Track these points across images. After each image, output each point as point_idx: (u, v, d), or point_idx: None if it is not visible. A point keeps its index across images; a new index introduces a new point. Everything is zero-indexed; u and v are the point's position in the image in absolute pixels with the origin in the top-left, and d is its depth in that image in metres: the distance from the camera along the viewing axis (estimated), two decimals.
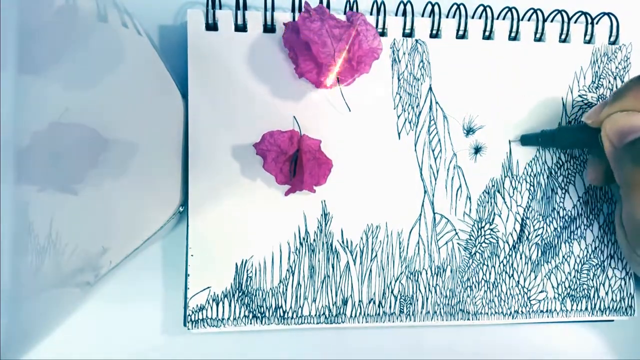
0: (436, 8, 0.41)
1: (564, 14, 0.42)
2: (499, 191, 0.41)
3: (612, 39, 0.43)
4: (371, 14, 0.41)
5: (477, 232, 0.41)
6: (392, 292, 0.40)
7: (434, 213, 0.41)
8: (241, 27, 0.39)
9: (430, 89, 0.41)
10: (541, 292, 0.41)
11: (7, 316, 0.17)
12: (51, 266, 0.21)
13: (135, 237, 0.32)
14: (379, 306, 0.40)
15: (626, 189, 0.34)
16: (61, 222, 0.22)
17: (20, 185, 0.18)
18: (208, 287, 0.38)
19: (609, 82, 0.43)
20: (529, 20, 0.43)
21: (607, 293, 0.42)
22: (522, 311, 0.41)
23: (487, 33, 0.42)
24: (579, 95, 0.42)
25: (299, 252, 0.39)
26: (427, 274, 0.40)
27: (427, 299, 0.40)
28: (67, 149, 0.23)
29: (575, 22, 0.43)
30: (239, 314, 0.38)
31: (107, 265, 0.29)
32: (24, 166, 0.18)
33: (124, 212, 0.31)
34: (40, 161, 0.20)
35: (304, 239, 0.39)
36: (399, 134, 0.41)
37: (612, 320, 0.43)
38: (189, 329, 0.38)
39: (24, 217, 0.19)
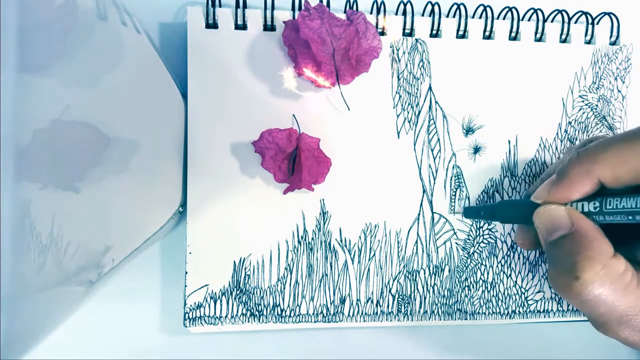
0: (436, 8, 0.41)
1: (564, 14, 0.42)
2: (497, 191, 0.41)
3: (613, 39, 0.43)
4: (371, 13, 0.41)
5: (476, 232, 0.41)
6: (390, 291, 0.40)
7: (433, 213, 0.41)
8: (241, 26, 0.39)
9: (430, 88, 0.41)
10: (538, 292, 0.41)
11: (7, 316, 0.17)
12: (53, 265, 0.21)
13: (136, 236, 0.32)
14: (376, 305, 0.40)
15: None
16: (63, 220, 0.22)
17: (21, 183, 0.18)
18: (206, 285, 0.38)
19: (610, 82, 0.43)
20: (529, 20, 0.43)
21: None
22: (519, 311, 0.41)
23: (487, 33, 0.42)
24: (580, 96, 0.42)
25: (297, 250, 0.39)
26: (425, 273, 0.41)
27: (425, 298, 0.40)
28: (69, 147, 0.23)
29: (576, 22, 0.43)
30: (237, 312, 0.39)
31: (110, 263, 0.29)
32: (25, 164, 0.18)
33: (125, 211, 0.31)
34: (41, 159, 0.20)
35: (302, 237, 0.39)
36: (398, 133, 0.41)
37: None
38: (186, 326, 0.38)
39: (25, 215, 0.19)
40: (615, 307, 0.30)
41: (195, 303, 0.38)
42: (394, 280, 0.40)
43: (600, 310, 0.31)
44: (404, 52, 0.41)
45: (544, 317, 0.41)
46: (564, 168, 0.32)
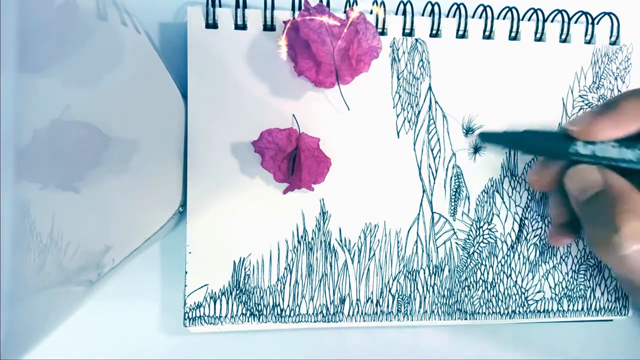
0: (436, 7, 0.41)
1: (564, 13, 0.42)
2: (497, 191, 0.41)
3: (613, 39, 0.43)
4: (371, 12, 0.41)
5: (476, 232, 0.41)
6: (389, 291, 0.40)
7: (433, 212, 0.41)
8: (241, 26, 0.39)
9: (429, 88, 0.41)
10: (538, 292, 0.41)
11: (7, 316, 0.17)
12: (53, 264, 0.21)
13: (136, 236, 0.32)
14: (376, 305, 0.40)
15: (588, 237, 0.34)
16: (63, 220, 0.22)
17: (21, 183, 0.18)
18: (206, 285, 0.38)
19: (610, 82, 0.43)
20: (529, 20, 0.43)
21: (602, 293, 0.42)
22: (519, 311, 0.41)
23: (487, 33, 0.42)
24: (580, 96, 0.42)
25: (297, 250, 0.39)
26: (425, 273, 0.41)
27: (424, 298, 0.40)
28: (69, 147, 0.23)
29: (576, 22, 0.43)
30: (237, 311, 0.39)
31: (110, 263, 0.29)
32: (26, 164, 0.18)
33: (125, 211, 0.31)
34: (41, 159, 0.20)
35: (302, 237, 0.39)
36: (398, 133, 0.41)
37: (611, 320, 0.43)
38: (186, 326, 0.38)
39: (25, 215, 0.19)
40: None
41: (195, 303, 0.38)
42: (393, 280, 0.40)
43: (639, 265, 0.30)
44: (403, 52, 0.41)
45: (544, 317, 0.41)
46: (616, 100, 0.31)
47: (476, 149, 0.41)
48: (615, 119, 0.32)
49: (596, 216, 0.32)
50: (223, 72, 0.39)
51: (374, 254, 0.40)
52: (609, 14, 0.43)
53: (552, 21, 0.43)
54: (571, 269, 0.42)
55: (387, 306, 0.40)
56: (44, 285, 0.21)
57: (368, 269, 0.40)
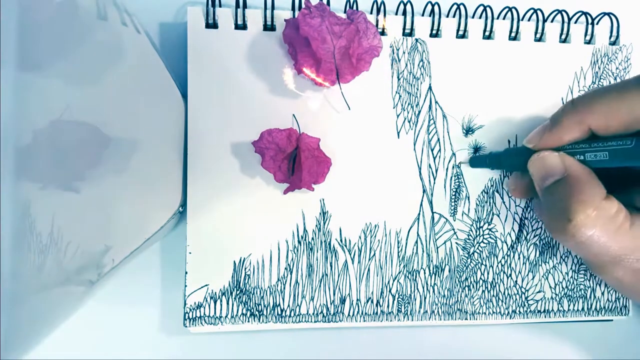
0: (436, 7, 0.41)
1: (564, 14, 0.42)
2: (497, 191, 0.41)
3: (613, 39, 0.43)
4: (371, 12, 0.41)
5: (476, 231, 0.41)
6: (390, 291, 0.40)
7: (433, 212, 0.41)
8: (241, 26, 0.39)
9: (429, 88, 0.41)
10: (539, 292, 0.41)
11: (7, 316, 0.17)
12: (53, 265, 0.21)
13: (136, 236, 0.32)
14: (376, 305, 0.40)
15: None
16: (63, 220, 0.22)
17: (21, 183, 0.18)
18: (206, 285, 0.38)
19: (610, 82, 0.43)
20: (529, 20, 0.43)
21: (602, 293, 0.42)
22: (519, 311, 0.41)
23: (487, 33, 0.42)
24: None
25: (297, 250, 0.39)
26: (425, 273, 0.41)
27: (425, 298, 0.40)
28: (69, 147, 0.23)
29: (576, 22, 0.43)
30: (237, 312, 0.39)
31: (110, 263, 0.29)
32: (26, 164, 0.18)
33: (125, 211, 0.31)
34: (41, 159, 0.20)
35: (302, 237, 0.39)
36: (398, 133, 0.41)
37: (611, 320, 0.43)
38: (186, 326, 0.38)
39: (25, 215, 0.19)
40: (609, 248, 0.32)
41: (195, 303, 0.38)
42: (394, 280, 0.40)
43: (593, 250, 0.32)
44: (404, 52, 0.41)
45: (544, 317, 0.41)
46: (558, 115, 0.34)
47: (476, 149, 0.41)
48: (556, 132, 0.34)
49: (554, 204, 0.33)
50: (223, 72, 0.39)
51: (374, 254, 0.40)
52: (608, 14, 0.43)
53: (552, 21, 0.43)
54: (571, 268, 0.42)
55: (387, 306, 0.40)
56: (44, 285, 0.21)
57: (368, 269, 0.40)
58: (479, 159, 0.40)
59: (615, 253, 0.32)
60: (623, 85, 0.31)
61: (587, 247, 0.32)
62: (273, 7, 0.39)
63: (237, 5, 0.39)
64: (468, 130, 0.41)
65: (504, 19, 0.42)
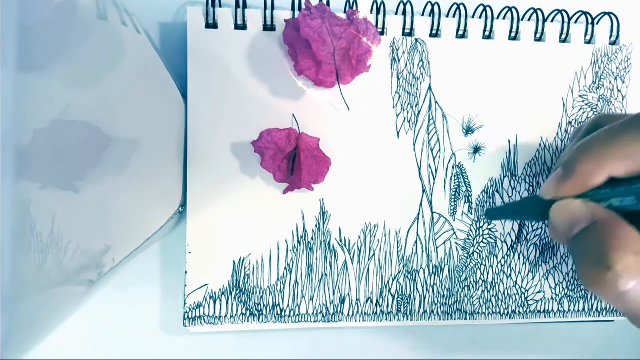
0: (436, 7, 0.41)
1: (564, 13, 0.42)
2: (497, 191, 0.41)
3: (613, 39, 0.43)
4: (371, 12, 0.40)
5: (476, 232, 0.41)
6: (389, 291, 0.40)
7: (432, 212, 0.41)
8: (241, 26, 0.39)
9: (429, 88, 0.41)
10: (539, 292, 0.41)
11: (7, 316, 0.17)
12: (53, 265, 0.21)
13: (136, 236, 0.32)
14: (376, 305, 0.40)
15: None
16: (63, 219, 0.22)
17: (21, 183, 0.18)
18: (206, 285, 0.38)
19: (610, 82, 0.43)
20: (529, 20, 0.43)
21: None
22: (519, 311, 0.41)
23: (487, 33, 0.42)
24: (580, 96, 0.42)
25: (297, 250, 0.39)
26: (424, 273, 0.41)
27: (424, 298, 0.40)
28: (69, 147, 0.23)
29: (576, 22, 0.43)
30: (237, 311, 0.39)
31: (110, 263, 0.29)
32: (25, 164, 0.18)
33: (125, 211, 0.31)
34: (41, 159, 0.20)
35: (301, 237, 0.39)
36: (398, 133, 0.41)
37: (612, 321, 0.43)
38: (186, 326, 0.38)
39: (25, 215, 0.19)
40: None
41: (195, 303, 0.38)
42: (393, 280, 0.40)
43: (638, 301, 0.28)
44: (403, 52, 0.41)
45: (544, 317, 0.41)
46: (572, 162, 0.31)
47: (476, 149, 0.41)
48: (572, 181, 0.31)
49: (586, 253, 0.30)
50: (223, 72, 0.39)
51: (374, 254, 0.40)
52: (609, 14, 0.43)
53: (552, 21, 0.43)
54: (572, 269, 0.42)
55: (387, 306, 0.40)
56: (44, 285, 0.21)
57: (368, 269, 0.40)
58: (495, 211, 0.38)
59: None
60: (632, 125, 0.28)
61: (630, 298, 0.28)
62: (273, 8, 0.39)
63: (237, 5, 0.39)
64: (468, 130, 0.41)
65: (504, 19, 0.42)
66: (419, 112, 0.41)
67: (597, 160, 0.30)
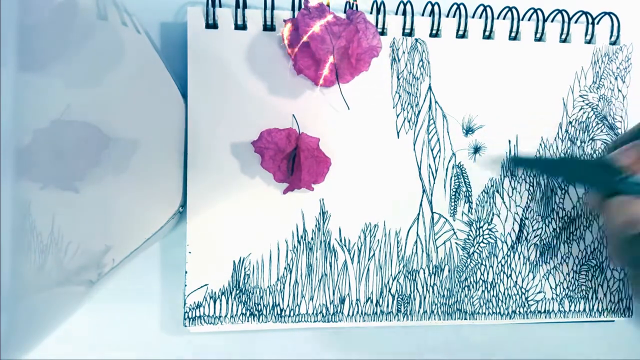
0: (436, 7, 0.41)
1: (564, 13, 0.42)
2: (497, 191, 0.41)
3: (613, 39, 0.43)
4: (371, 12, 0.40)
5: (476, 232, 0.41)
6: (389, 291, 0.40)
7: (432, 212, 0.41)
8: (241, 26, 0.39)
9: (429, 88, 0.41)
10: (539, 292, 0.41)
11: (7, 316, 0.17)
12: (53, 264, 0.21)
13: (136, 236, 0.32)
14: (376, 305, 0.40)
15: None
16: (63, 220, 0.22)
17: (21, 183, 0.18)
18: (206, 285, 0.38)
19: (610, 82, 0.43)
20: (529, 20, 0.43)
21: (605, 294, 0.42)
22: (519, 311, 0.41)
23: (487, 33, 0.42)
24: (580, 96, 0.42)
25: (297, 250, 0.39)
26: (424, 273, 0.40)
27: (424, 298, 0.40)
28: (69, 147, 0.23)
29: (576, 22, 0.43)
30: (236, 311, 0.39)
31: (110, 263, 0.29)
32: (26, 164, 0.18)
33: (125, 211, 0.31)
34: (41, 159, 0.20)
35: (301, 237, 0.39)
36: (398, 133, 0.41)
37: (613, 321, 0.43)
38: (186, 325, 0.38)
39: (25, 215, 0.19)
40: None
41: (195, 302, 0.38)
42: (393, 280, 0.40)
43: None
44: (403, 52, 0.41)
45: (544, 317, 0.41)
46: None
47: (476, 149, 0.41)
48: None
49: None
50: (223, 72, 0.39)
51: (374, 254, 0.40)
52: (609, 14, 0.43)
53: (552, 21, 0.43)
54: (572, 269, 0.42)
55: (387, 306, 0.40)
56: (44, 285, 0.21)
57: (368, 269, 0.40)
58: (524, 160, 0.38)
59: None
60: None
61: None
62: (273, 7, 0.39)
63: (237, 6, 0.39)
64: (468, 130, 0.41)
65: (504, 19, 0.42)
66: (419, 112, 0.41)
67: None
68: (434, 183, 0.41)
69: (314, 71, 0.37)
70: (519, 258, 0.41)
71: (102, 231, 0.28)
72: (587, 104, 0.42)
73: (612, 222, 0.31)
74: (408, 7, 0.41)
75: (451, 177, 0.41)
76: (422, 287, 0.40)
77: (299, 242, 0.39)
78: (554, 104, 0.42)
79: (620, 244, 0.31)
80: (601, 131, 0.43)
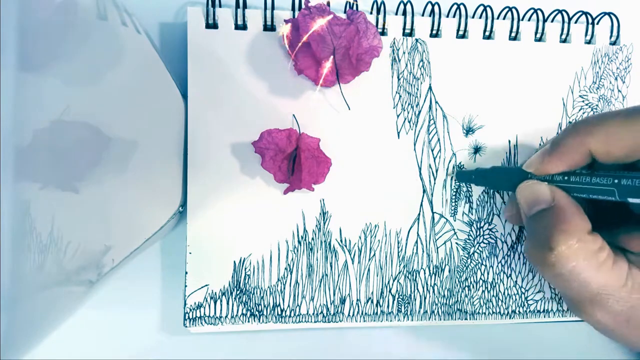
0: (436, 8, 0.41)
1: (564, 13, 0.42)
2: (498, 191, 0.41)
3: (613, 39, 0.43)
4: (371, 12, 0.41)
5: (476, 232, 0.41)
6: (390, 291, 0.40)
7: (433, 213, 0.41)
8: (241, 26, 0.39)
9: (430, 88, 0.41)
10: (539, 292, 0.41)
11: (7, 316, 0.17)
12: (53, 264, 0.21)
13: (136, 236, 0.32)
14: (376, 305, 0.40)
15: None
16: (63, 220, 0.22)
17: (21, 183, 0.18)
18: (206, 285, 0.38)
19: (610, 82, 0.43)
20: (529, 20, 0.43)
21: None
22: (519, 311, 0.41)
23: (487, 33, 0.42)
24: (580, 96, 0.42)
25: (297, 250, 0.39)
26: (425, 273, 0.40)
27: (425, 298, 0.40)
28: (69, 147, 0.23)
29: (576, 22, 0.43)
30: (237, 312, 0.39)
31: (109, 263, 0.29)
32: (25, 164, 0.18)
33: (124, 211, 0.31)
34: (41, 159, 0.20)
35: (302, 237, 0.39)
36: (398, 133, 0.41)
37: None
38: (186, 326, 0.38)
39: (25, 215, 0.19)
40: (588, 284, 0.31)
41: (195, 303, 0.38)
42: (394, 280, 0.40)
43: (573, 285, 0.31)
44: (404, 52, 0.41)
45: (544, 317, 0.41)
46: (558, 138, 0.33)
47: (476, 149, 0.41)
48: (556, 155, 0.33)
49: (537, 232, 0.32)
50: (223, 72, 0.39)
51: (374, 254, 0.40)
52: (609, 14, 0.43)
53: (552, 21, 0.43)
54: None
55: (387, 306, 0.40)
56: (44, 285, 0.21)
57: (368, 269, 0.40)
58: (465, 174, 0.40)
59: (595, 291, 0.31)
60: (630, 112, 0.30)
61: (566, 280, 0.31)
62: (273, 7, 0.39)
63: (237, 6, 0.39)
64: (468, 130, 0.41)
65: (504, 19, 0.42)
66: (419, 112, 0.41)
67: (580, 136, 0.32)
68: (435, 183, 0.41)
69: (314, 71, 0.37)
70: (519, 258, 0.41)
71: (102, 231, 0.28)
72: (587, 104, 0.42)
73: (520, 205, 0.35)
74: (408, 7, 0.41)
75: (452, 177, 0.41)
76: (423, 288, 0.40)
77: (299, 242, 0.39)
78: (554, 104, 0.42)
79: (527, 227, 0.35)
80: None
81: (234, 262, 0.39)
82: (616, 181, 0.30)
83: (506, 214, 0.40)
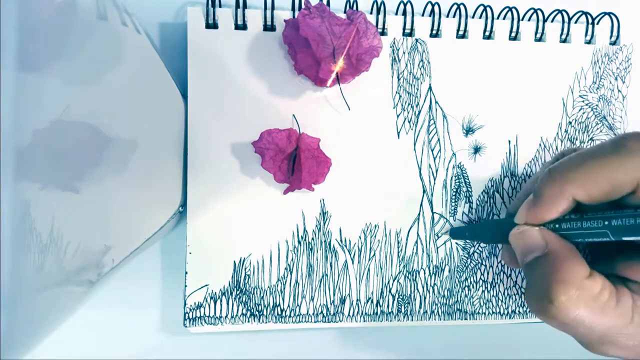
0: (436, 8, 0.41)
1: (564, 13, 0.42)
2: (497, 191, 0.41)
3: (613, 39, 0.43)
4: (371, 13, 0.41)
5: None
6: (390, 291, 0.40)
7: (433, 213, 0.41)
8: (241, 26, 0.39)
9: (430, 88, 0.41)
10: None
11: (7, 316, 0.17)
12: (53, 264, 0.21)
13: (136, 236, 0.32)
14: (376, 305, 0.40)
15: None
16: (63, 220, 0.22)
17: (21, 183, 0.18)
18: (206, 285, 0.38)
19: (610, 82, 0.43)
20: (529, 20, 0.43)
21: None
22: (519, 311, 0.41)
23: (487, 33, 0.42)
24: (580, 96, 0.42)
25: (297, 250, 0.39)
26: (425, 273, 0.40)
27: (425, 298, 0.40)
28: (69, 147, 0.23)
29: (576, 22, 0.43)
30: (237, 312, 0.39)
31: (109, 263, 0.29)
32: (25, 164, 0.18)
33: (124, 211, 0.31)
34: (41, 159, 0.20)
35: (302, 237, 0.39)
36: (398, 133, 0.41)
37: None
38: (186, 326, 0.38)
39: (25, 215, 0.19)
40: (595, 328, 0.30)
41: (195, 303, 0.38)
42: (394, 280, 0.40)
43: (580, 331, 0.30)
44: (404, 52, 0.41)
45: None
46: (539, 188, 0.32)
47: (476, 149, 0.41)
48: (540, 206, 0.32)
49: (535, 282, 0.31)
50: (223, 72, 0.39)
51: (374, 254, 0.40)
52: (609, 14, 0.43)
53: (552, 21, 0.43)
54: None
55: (387, 306, 0.40)
56: (44, 285, 0.21)
57: (368, 269, 0.40)
58: (458, 230, 0.40)
59: (602, 333, 0.30)
60: (599, 152, 0.29)
61: (572, 327, 0.30)
62: (273, 7, 0.39)
63: (237, 6, 0.39)
64: (468, 130, 0.41)
65: (504, 19, 0.42)
66: (419, 112, 0.41)
67: (558, 185, 0.30)
68: (435, 183, 0.41)
69: (315, 71, 0.37)
70: None
71: (102, 231, 0.28)
72: (586, 104, 0.42)
73: (517, 256, 0.33)
74: (408, 7, 0.41)
75: (451, 177, 0.41)
76: (423, 288, 0.40)
77: (299, 242, 0.39)
78: (554, 104, 0.42)
79: (524, 275, 0.33)
80: (601, 131, 0.43)
81: (234, 262, 0.39)
82: (607, 222, 0.29)
83: (504, 260, 0.38)
